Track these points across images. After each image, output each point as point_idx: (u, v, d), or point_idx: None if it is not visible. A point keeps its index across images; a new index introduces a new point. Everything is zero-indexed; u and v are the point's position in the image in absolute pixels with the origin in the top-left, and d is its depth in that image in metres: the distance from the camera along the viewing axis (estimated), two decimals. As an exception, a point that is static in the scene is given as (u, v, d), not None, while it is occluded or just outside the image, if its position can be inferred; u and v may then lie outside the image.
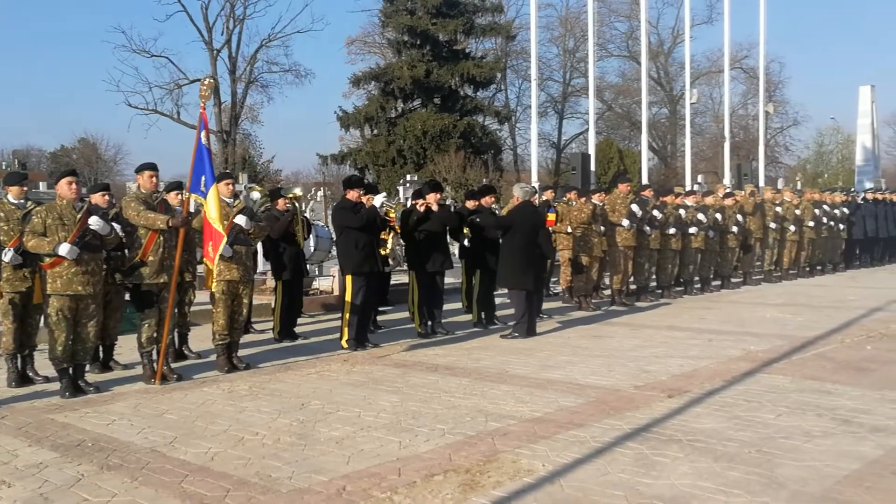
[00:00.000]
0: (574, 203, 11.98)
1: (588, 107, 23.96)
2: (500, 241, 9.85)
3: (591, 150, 20.35)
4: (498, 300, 10.95)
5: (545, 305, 11.46)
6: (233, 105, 43.23)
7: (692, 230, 13.44)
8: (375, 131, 40.62)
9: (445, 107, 39.50)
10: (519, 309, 9.49)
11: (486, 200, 10.64)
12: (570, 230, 11.82)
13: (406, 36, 39.99)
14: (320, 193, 27.46)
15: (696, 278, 14.15)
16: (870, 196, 19.82)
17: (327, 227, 13.20)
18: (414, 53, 39.77)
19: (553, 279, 13.71)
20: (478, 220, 10.01)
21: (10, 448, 5.21)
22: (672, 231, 13.02)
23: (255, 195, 11.41)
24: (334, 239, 13.69)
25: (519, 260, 9.42)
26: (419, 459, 4.86)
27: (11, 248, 6.92)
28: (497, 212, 11.94)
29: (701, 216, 13.65)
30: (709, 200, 14.52)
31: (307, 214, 14.98)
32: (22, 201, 7.29)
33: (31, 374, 7.36)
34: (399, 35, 40.39)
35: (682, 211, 13.34)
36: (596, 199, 12.20)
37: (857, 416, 5.66)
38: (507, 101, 47.53)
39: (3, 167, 26.47)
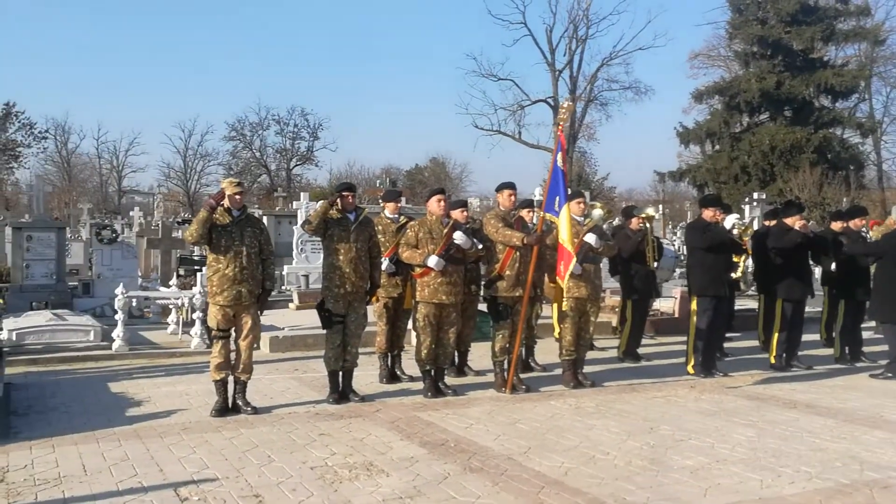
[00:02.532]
0: (965, 227, 10.38)
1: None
2: (873, 269, 8.85)
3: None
4: (865, 334, 9.86)
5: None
6: (571, 124, 44.10)
7: None
8: (717, 147, 39.01)
9: (797, 120, 36.73)
10: (894, 346, 8.44)
11: (856, 223, 9.65)
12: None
13: (755, 47, 37.90)
14: (657, 212, 26.99)
15: None
16: None
17: (672, 246, 12.88)
18: (763, 64, 37.55)
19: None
20: (845, 248, 9.07)
21: (385, 440, 5.77)
22: None
23: (597, 213, 11.51)
24: (678, 258, 13.38)
25: (895, 291, 8.38)
26: (784, 502, 4.52)
27: (387, 258, 7.68)
28: (866, 236, 10.76)
29: None
30: None
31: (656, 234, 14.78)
32: (396, 216, 8.10)
33: (398, 372, 8.11)
34: (748, 46, 38.41)
35: None
36: None
37: None
38: (871, 111, 42.94)
39: (378, 185, 29.70)
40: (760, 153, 35.73)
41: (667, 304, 12.69)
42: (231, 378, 6.65)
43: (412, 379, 7.86)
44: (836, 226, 9.90)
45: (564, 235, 7.37)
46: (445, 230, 7.30)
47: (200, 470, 5.01)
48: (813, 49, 37.82)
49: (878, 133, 42.37)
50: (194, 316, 9.95)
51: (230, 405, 6.62)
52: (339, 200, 7.00)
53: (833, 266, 9.39)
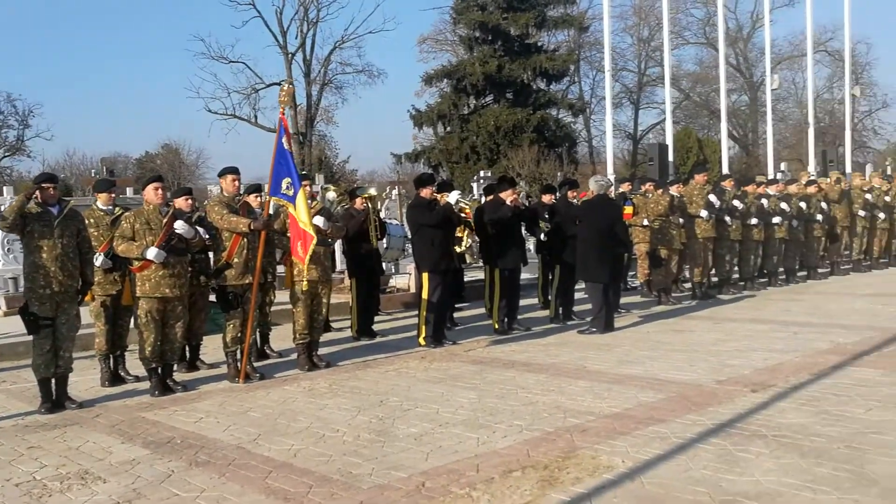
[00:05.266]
0: (651, 195, 11.79)
1: (664, 96, 23.49)
2: (578, 234, 9.78)
3: (669, 141, 19.96)
4: (577, 295, 10.86)
5: (624, 300, 11.33)
6: (308, 107, 43.98)
7: (775, 220, 13.04)
8: (448, 128, 40.74)
9: (518, 101, 39.35)
10: (596, 303, 9.41)
11: (570, 195, 10.57)
12: (647, 223, 11.65)
13: (477, 32, 39.98)
14: (395, 192, 27.69)
15: (781, 269, 13.73)
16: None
17: (402, 225, 13.31)
18: (485, 49, 39.74)
19: (631, 273, 13.52)
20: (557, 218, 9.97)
21: (104, 445, 5.44)
22: (754, 221, 12.66)
23: (331, 195, 11.65)
24: (408, 237, 13.86)
25: (594, 253, 9.33)
26: (497, 455, 4.88)
27: (102, 253, 7.21)
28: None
29: (784, 205, 13.23)
30: (792, 189, 14.09)
31: (383, 213, 15.17)
32: (110, 207, 7.61)
33: (122, 373, 7.66)
34: (470, 31, 40.41)
35: (764, 200, 12.95)
36: (673, 190, 11.98)
37: (955, 411, 5.42)
38: (580, 93, 47.11)
39: (93, 174, 27.54)
40: (487, 133, 37.88)
41: (402, 280, 13.13)
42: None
43: (138, 379, 7.47)
44: (546, 198, 10.81)
45: (304, 217, 7.35)
46: (165, 220, 7.00)
47: None
48: (528, 35, 40.59)
49: (587, 113, 46.60)
50: None
51: (-81, 429, 5.89)
52: (38, 193, 6.44)
53: (543, 236, 10.26)
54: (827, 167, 22.00)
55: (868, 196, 15.37)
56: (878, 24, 76.78)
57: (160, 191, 7.14)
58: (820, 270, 14.60)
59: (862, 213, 15.15)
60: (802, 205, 13.73)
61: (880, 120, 49.76)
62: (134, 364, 7.63)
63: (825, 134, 41.31)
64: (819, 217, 14.07)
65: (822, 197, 14.30)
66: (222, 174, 7.92)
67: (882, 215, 15.46)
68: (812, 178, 15.82)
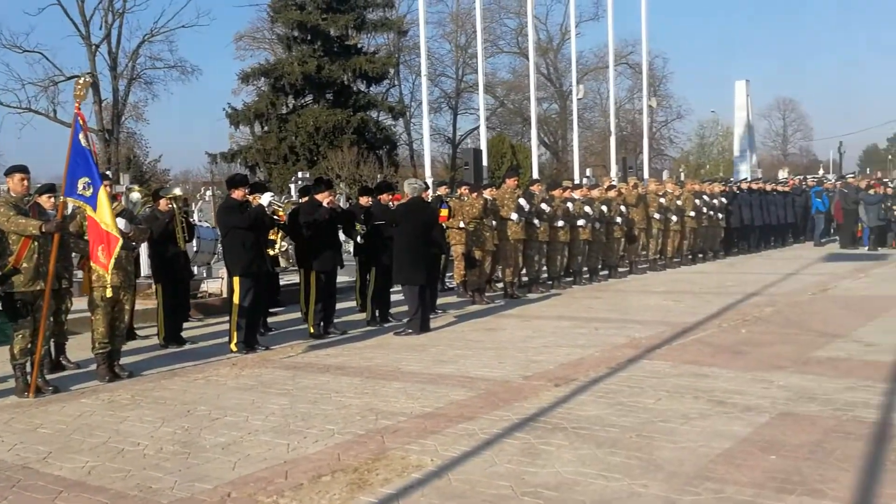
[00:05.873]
0: (466, 198, 12.11)
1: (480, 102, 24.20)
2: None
3: (483, 146, 20.58)
4: (394, 297, 10.94)
5: (441, 300, 11.55)
6: (115, 103, 41.57)
7: (580, 222, 13.78)
8: (266, 128, 39.88)
9: (338, 102, 39.17)
10: (412, 305, 9.52)
11: (384, 198, 10.61)
12: (462, 225, 11.94)
13: (296, 31, 39.42)
14: (209, 193, 26.73)
15: (585, 269, 14.53)
16: (745, 186, 20.80)
17: (214, 227, 12.85)
18: (304, 49, 39.27)
19: (448, 274, 13.81)
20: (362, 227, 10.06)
21: None
22: (560, 224, 13.31)
23: (135, 196, 11.07)
24: (219, 239, 13.41)
25: (410, 255, 9.44)
26: (307, 461, 4.81)
27: None
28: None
29: (587, 209, 14.01)
30: (595, 193, 14.93)
31: (196, 215, 14.59)
32: None
33: None
34: (288, 30, 39.78)
35: (569, 204, 13.66)
36: (487, 193, 12.36)
37: (730, 397, 5.94)
38: (401, 96, 47.62)
39: None
40: (306, 134, 37.42)
41: (214, 284, 12.68)
42: None
43: None
44: (364, 200, 10.81)
45: (108, 219, 6.91)
46: (-61, 222, 6.36)
47: None
48: (348, 36, 40.50)
49: (407, 116, 47.17)
50: None
51: None
52: None
53: (359, 238, 10.26)
54: (627, 173, 23.52)
55: (662, 200, 16.58)
56: (673, 40, 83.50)
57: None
58: (620, 269, 15.59)
59: (657, 215, 16.32)
60: (604, 208, 14.60)
61: (675, 130, 54.24)
62: None
63: (627, 142, 44.24)
64: (619, 220, 15.02)
65: (621, 201, 15.28)
66: (9, 173, 7.31)
67: (674, 218, 16.73)
68: (613, 183, 16.88)
